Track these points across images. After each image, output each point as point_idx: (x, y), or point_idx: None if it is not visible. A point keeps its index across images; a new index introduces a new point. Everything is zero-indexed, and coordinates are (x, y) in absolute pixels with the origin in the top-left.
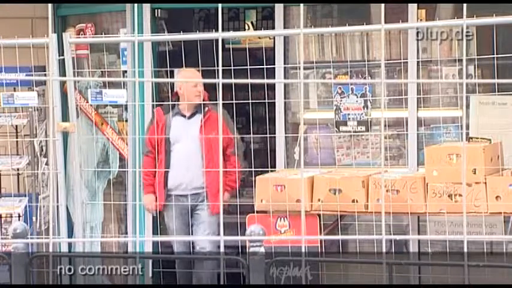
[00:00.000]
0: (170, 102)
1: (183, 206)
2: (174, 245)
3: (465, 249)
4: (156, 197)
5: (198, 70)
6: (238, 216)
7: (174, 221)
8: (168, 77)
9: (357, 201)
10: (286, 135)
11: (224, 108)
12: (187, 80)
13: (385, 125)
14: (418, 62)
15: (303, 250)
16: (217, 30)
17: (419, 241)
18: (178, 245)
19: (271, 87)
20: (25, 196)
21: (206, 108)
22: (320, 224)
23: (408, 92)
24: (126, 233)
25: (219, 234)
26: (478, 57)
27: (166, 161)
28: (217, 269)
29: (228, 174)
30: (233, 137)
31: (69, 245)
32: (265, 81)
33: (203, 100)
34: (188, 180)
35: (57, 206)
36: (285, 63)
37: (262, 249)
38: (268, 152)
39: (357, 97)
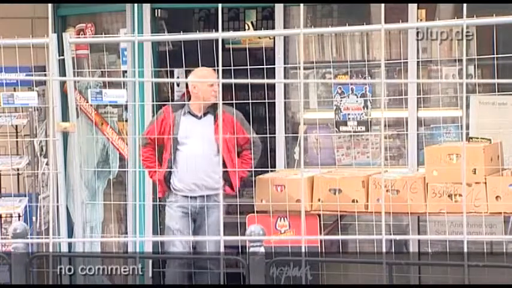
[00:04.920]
0: (185, 102)
1: (189, 208)
2: (172, 246)
3: (465, 249)
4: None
5: (214, 70)
6: (238, 216)
7: (178, 221)
8: (168, 77)
9: (357, 201)
10: (286, 135)
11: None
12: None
13: (385, 125)
14: (418, 62)
15: (303, 250)
16: (217, 30)
17: (419, 241)
18: (180, 245)
19: (271, 87)
20: (25, 196)
21: (222, 110)
22: (320, 224)
23: (408, 92)
24: (126, 233)
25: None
26: (478, 57)
27: (171, 160)
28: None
29: (242, 166)
30: (249, 137)
31: (69, 245)
32: (265, 81)
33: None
34: (199, 181)
35: (57, 206)
36: (285, 63)
37: (262, 249)
38: (268, 152)
39: (357, 97)
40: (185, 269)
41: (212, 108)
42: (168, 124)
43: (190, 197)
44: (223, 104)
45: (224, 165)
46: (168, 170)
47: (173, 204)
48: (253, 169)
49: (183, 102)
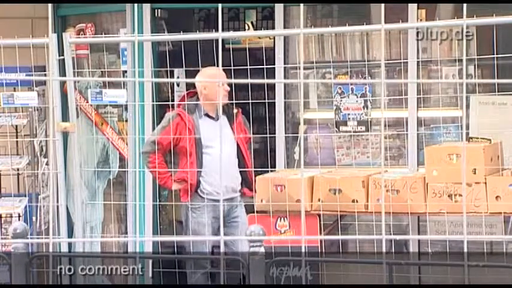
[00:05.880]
0: (185, 102)
1: (218, 211)
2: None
3: (465, 249)
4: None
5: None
6: None
7: (209, 228)
8: (168, 77)
9: (357, 201)
10: (286, 135)
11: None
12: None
13: (385, 125)
14: (418, 62)
15: (303, 250)
16: (217, 30)
17: (419, 241)
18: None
19: (271, 87)
20: (25, 196)
21: (236, 110)
22: (320, 224)
23: (408, 92)
24: (126, 233)
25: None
26: (478, 57)
27: (198, 165)
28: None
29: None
30: (251, 136)
31: (69, 245)
32: (265, 81)
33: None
34: (229, 184)
35: (57, 206)
36: (285, 63)
37: (262, 249)
38: (268, 152)
39: (357, 97)
40: (207, 272)
41: (222, 109)
42: (185, 128)
43: (218, 200)
44: (231, 104)
45: (245, 166)
46: (190, 172)
47: (202, 210)
48: (253, 169)
49: (183, 103)
